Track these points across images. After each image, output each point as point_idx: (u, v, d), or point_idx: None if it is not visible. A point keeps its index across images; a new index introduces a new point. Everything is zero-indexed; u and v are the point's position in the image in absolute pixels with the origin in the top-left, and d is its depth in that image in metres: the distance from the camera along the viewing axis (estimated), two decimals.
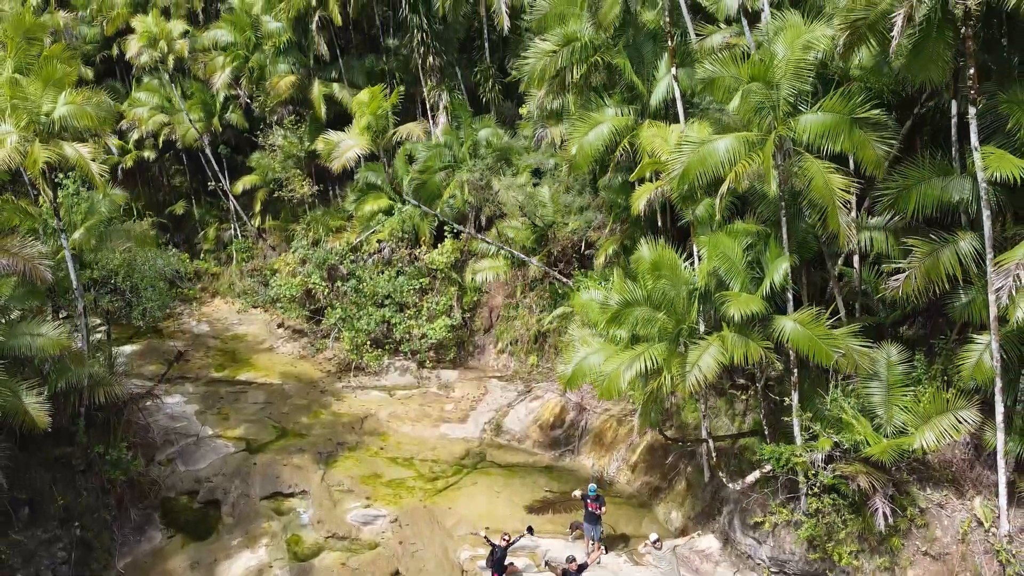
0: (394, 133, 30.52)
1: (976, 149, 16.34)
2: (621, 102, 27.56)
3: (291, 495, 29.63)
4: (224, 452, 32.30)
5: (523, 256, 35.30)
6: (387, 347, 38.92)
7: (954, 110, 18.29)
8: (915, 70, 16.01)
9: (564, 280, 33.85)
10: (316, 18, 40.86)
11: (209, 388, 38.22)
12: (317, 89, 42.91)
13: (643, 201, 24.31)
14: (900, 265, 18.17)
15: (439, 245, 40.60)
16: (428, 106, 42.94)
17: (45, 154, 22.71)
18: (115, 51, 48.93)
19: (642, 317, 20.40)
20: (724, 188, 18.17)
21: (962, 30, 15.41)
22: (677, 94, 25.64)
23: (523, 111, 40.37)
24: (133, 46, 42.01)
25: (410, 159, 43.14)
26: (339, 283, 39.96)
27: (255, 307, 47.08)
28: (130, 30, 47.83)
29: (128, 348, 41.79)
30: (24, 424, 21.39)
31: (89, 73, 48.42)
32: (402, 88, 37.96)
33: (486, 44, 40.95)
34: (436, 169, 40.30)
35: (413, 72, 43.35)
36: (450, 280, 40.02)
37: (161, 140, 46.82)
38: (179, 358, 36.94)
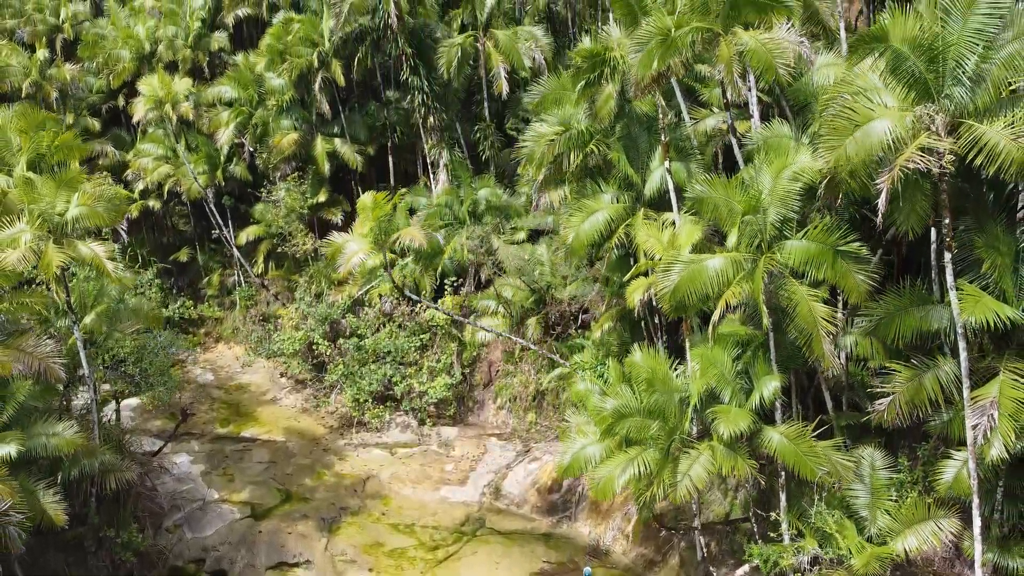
0: (397, 238, 31.43)
1: (952, 289, 17.13)
2: (617, 188, 28.37)
3: (296, 565, 30.45)
4: (230, 518, 33.09)
5: (519, 340, 36.28)
6: (388, 404, 39.70)
7: (933, 237, 19.11)
8: (896, 219, 16.80)
9: (558, 359, 34.74)
10: (319, 79, 41.63)
11: (214, 446, 39.00)
12: (320, 146, 43.73)
13: (638, 295, 25.10)
14: (885, 389, 18.96)
15: (439, 300, 41.40)
16: (429, 162, 43.76)
17: (60, 257, 23.48)
18: (121, 102, 49.72)
19: (636, 426, 21.21)
20: (716, 316, 18.96)
21: (940, 185, 16.21)
22: (671, 185, 26.45)
23: (522, 171, 41.21)
24: (140, 109, 42.85)
25: (411, 211, 44.10)
26: (341, 340, 40.72)
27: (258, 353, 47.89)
28: (136, 81, 48.82)
29: (134, 401, 42.50)
30: (43, 521, 22.21)
31: (95, 124, 49.36)
32: (404, 193, 38.77)
33: (486, 103, 41.74)
34: (437, 227, 41.09)
35: (414, 126, 44.13)
36: (450, 336, 40.78)
37: (166, 190, 47.55)
38: (185, 418, 37.71)
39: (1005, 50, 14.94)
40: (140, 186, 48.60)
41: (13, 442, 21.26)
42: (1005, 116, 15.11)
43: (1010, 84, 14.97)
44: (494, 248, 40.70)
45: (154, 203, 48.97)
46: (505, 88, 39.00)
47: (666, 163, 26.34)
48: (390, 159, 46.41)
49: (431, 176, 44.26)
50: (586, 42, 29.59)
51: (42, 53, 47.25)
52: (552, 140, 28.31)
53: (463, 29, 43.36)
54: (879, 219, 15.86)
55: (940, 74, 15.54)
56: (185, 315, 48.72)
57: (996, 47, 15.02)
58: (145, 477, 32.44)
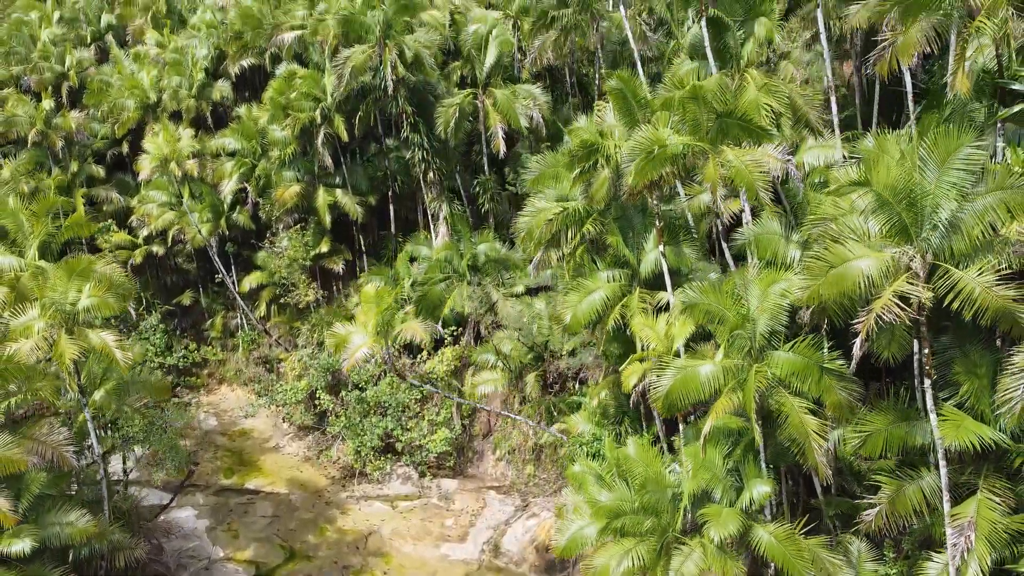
0: (399, 332, 32.22)
1: (932, 412, 17.87)
2: (613, 265, 29.08)
3: None
4: None
5: (514, 416, 37.11)
6: (389, 456, 40.42)
7: (915, 348, 19.84)
8: (879, 347, 17.52)
9: (554, 432, 35.48)
10: (321, 134, 42.36)
11: (219, 498, 39.71)
12: (321, 197, 44.43)
13: (633, 379, 25.81)
14: (872, 500, 19.70)
15: (439, 350, 42.11)
16: (429, 215, 44.48)
17: (72, 348, 24.18)
18: (125, 148, 50.43)
19: (631, 522, 21.94)
20: (707, 428, 19.68)
21: (919, 320, 16.96)
22: (665, 268, 27.19)
23: (520, 244, 41.97)
24: (145, 166, 43.48)
25: (412, 260, 44.89)
26: (343, 392, 41.45)
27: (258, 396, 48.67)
28: (141, 128, 49.61)
29: (139, 450, 43.20)
30: None
31: (100, 171, 50.04)
32: (406, 282, 40.11)
33: (485, 158, 42.46)
34: (437, 280, 41.79)
35: (414, 177, 44.84)
36: (450, 387, 41.50)
37: (171, 237, 48.24)
38: (190, 475, 38.41)
39: (979, 202, 15.68)
40: (144, 232, 49.29)
41: (28, 537, 22.01)
42: (981, 261, 15.83)
43: (983, 235, 15.68)
44: (493, 300, 41.51)
45: (158, 248, 49.59)
46: (502, 148, 39.76)
47: (660, 247, 27.07)
48: (391, 207, 47.09)
49: (431, 226, 45.01)
50: (582, 121, 30.28)
51: (48, 103, 47.85)
52: (550, 219, 28.95)
53: (462, 83, 44.18)
54: (858, 351, 16.57)
55: (918, 218, 16.27)
56: (189, 359, 49.40)
57: (971, 198, 15.75)
58: (151, 537, 33.20)
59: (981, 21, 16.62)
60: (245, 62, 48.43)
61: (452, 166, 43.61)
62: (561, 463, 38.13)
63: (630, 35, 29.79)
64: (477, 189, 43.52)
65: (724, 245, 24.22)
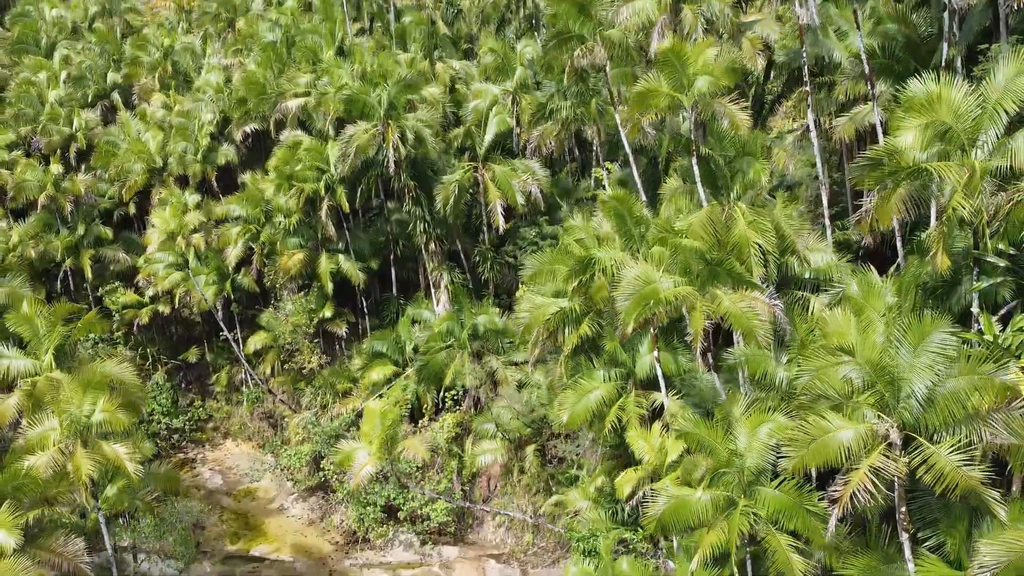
0: (402, 449, 33.24)
1: (909, 561, 18.81)
2: (609, 364, 30.04)
3: None
4: None
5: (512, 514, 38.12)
6: (391, 522, 41.35)
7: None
8: (859, 508, 18.45)
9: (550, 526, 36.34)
10: (325, 206, 43.30)
11: (224, 567, 40.61)
12: (324, 264, 45.35)
13: (628, 488, 26.76)
14: None
15: (440, 416, 43.10)
16: (431, 281, 45.45)
17: (88, 463, 25.09)
18: (132, 208, 51.40)
19: None
20: (697, 558, 20.60)
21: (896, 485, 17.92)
22: (659, 373, 28.16)
23: (518, 340, 42.97)
24: (153, 240, 44.44)
25: (413, 321, 45.91)
26: None
27: (262, 450, 49.67)
28: (148, 190, 50.64)
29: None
30: None
31: (108, 232, 50.98)
32: (408, 346, 41.12)
33: (485, 229, 43.41)
34: (438, 349, 42.77)
35: (415, 241, 45.77)
36: (450, 454, 42.44)
37: (177, 298, 49.17)
38: (198, 547, 39.31)
39: (951, 383, 16.64)
40: (151, 292, 50.23)
41: None
42: (954, 438, 16.78)
43: (956, 413, 16.61)
44: (493, 369, 42.51)
45: (164, 308, 50.53)
46: (502, 224, 40.78)
47: (655, 352, 28.02)
48: (392, 269, 48.05)
49: (432, 290, 45.97)
50: (577, 223, 31.21)
51: (57, 167, 48.83)
52: (547, 319, 29.89)
53: (462, 150, 45.13)
54: (834, 520, 17.51)
55: (896, 392, 17.23)
56: (194, 417, 50.38)
57: (943, 380, 16.72)
58: None
59: (958, 202, 17.57)
60: (249, 128, 49.38)
61: (452, 235, 44.55)
62: (559, 535, 39.26)
63: (624, 139, 30.66)
64: (477, 258, 44.48)
65: (713, 360, 25.11)
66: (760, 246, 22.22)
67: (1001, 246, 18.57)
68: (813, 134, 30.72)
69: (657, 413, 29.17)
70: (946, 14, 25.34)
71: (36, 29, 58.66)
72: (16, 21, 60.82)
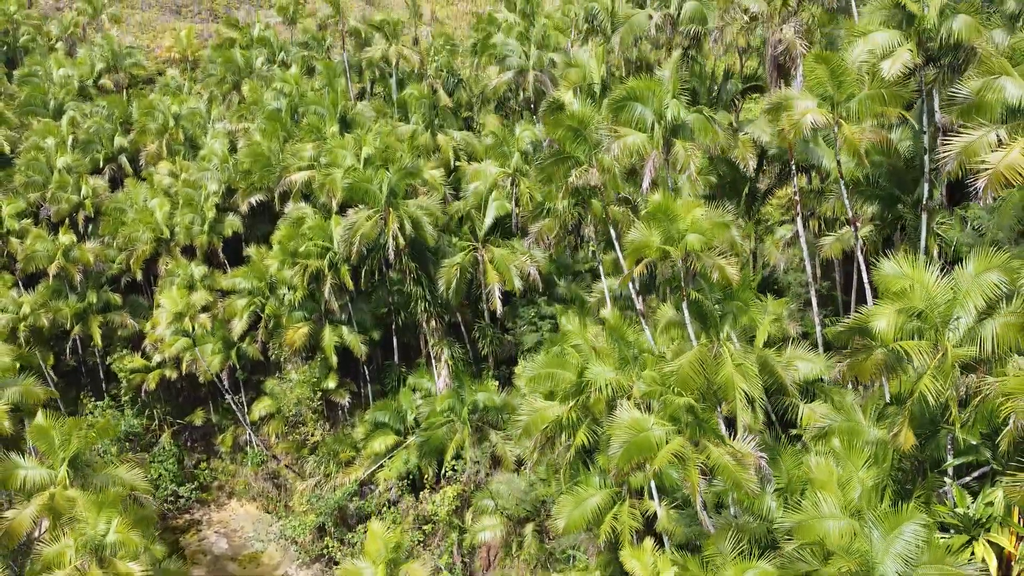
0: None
1: None
2: (605, 471, 31.09)
3: None
4: None
5: None
6: None
7: None
8: None
9: None
10: (328, 284, 44.39)
11: None
12: (328, 336, 46.48)
13: None
14: None
15: (441, 486, 44.20)
16: (432, 355, 46.54)
17: None
18: (139, 274, 52.47)
19: None
20: None
21: None
22: (653, 486, 29.25)
23: (518, 370, 44.12)
24: (162, 321, 45.55)
25: (413, 390, 47.06)
26: (350, 534, 43.49)
27: (269, 512, 50.77)
28: (155, 258, 51.76)
29: None
30: None
31: (117, 298, 52.05)
32: (410, 416, 42.66)
33: (486, 308, 44.49)
34: (439, 424, 43.88)
35: (416, 312, 46.83)
36: (451, 525, 43.53)
37: (184, 365, 50.22)
38: None
39: (920, 572, 17.71)
40: (158, 357, 51.29)
41: None
42: None
43: None
44: (493, 443, 43.66)
45: (170, 373, 51.59)
46: (499, 307, 41.88)
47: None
48: (394, 338, 49.16)
49: (433, 363, 47.05)
50: (574, 326, 32.31)
51: (66, 238, 49.87)
52: (545, 426, 30.96)
53: (461, 222, 46.23)
54: None
55: (870, 572, 18.35)
56: (200, 481, 51.46)
57: (914, 567, 17.79)
58: None
59: (926, 385, 18.66)
60: (255, 199, 50.48)
61: (452, 313, 45.63)
62: None
63: (622, 262, 31.74)
64: (477, 334, 45.58)
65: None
66: (746, 392, 23.28)
67: (972, 439, 19.69)
68: (803, 244, 31.81)
69: (651, 520, 30.29)
70: (927, 157, 26.42)
71: (44, 91, 59.80)
72: (25, 82, 61.90)
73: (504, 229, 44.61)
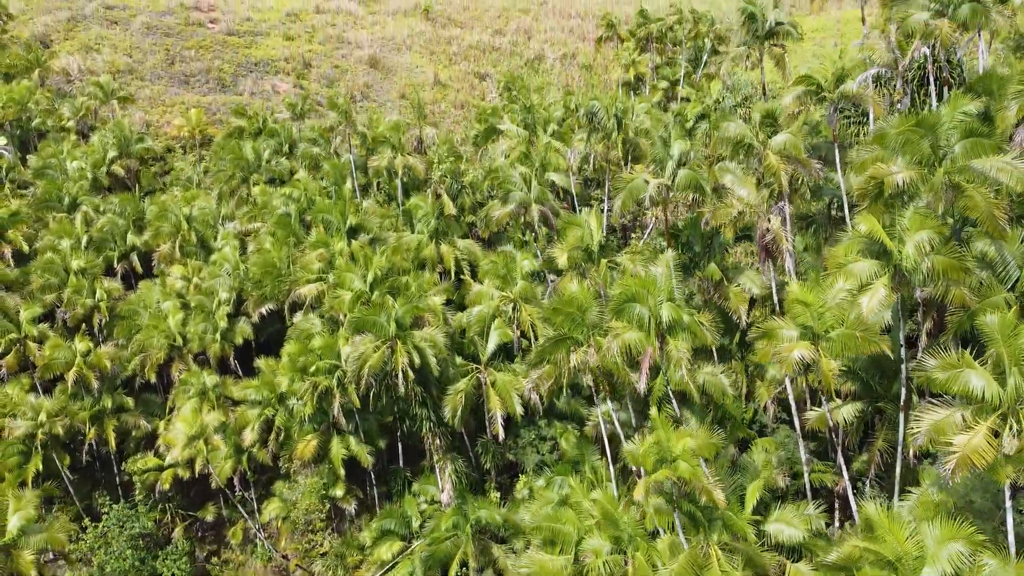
0: None
1: None
2: None
3: None
4: None
5: None
6: None
7: None
8: None
9: None
10: (337, 403, 46.15)
11: None
12: (335, 448, 48.25)
13: None
14: None
15: None
16: (436, 468, 48.29)
17: None
18: (152, 377, 54.22)
19: None
20: None
21: None
22: None
23: (518, 486, 46.08)
24: (177, 445, 47.28)
25: (417, 495, 48.87)
26: None
27: None
28: (169, 363, 53.50)
29: None
30: None
31: (130, 401, 53.79)
32: (414, 522, 43.76)
33: (487, 431, 46.24)
34: (443, 539, 45.61)
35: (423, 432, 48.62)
36: None
37: (196, 467, 51.93)
38: None
39: None
40: (170, 458, 53.01)
41: None
42: None
43: None
44: (495, 557, 45.43)
45: (183, 472, 53.29)
46: (501, 434, 43.63)
47: None
48: (399, 445, 50.92)
49: (437, 474, 48.80)
50: (576, 484, 34.11)
51: (82, 345, 51.63)
52: None
53: (463, 338, 47.97)
54: None
55: None
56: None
57: None
58: None
59: None
60: (265, 309, 52.26)
61: (456, 431, 47.37)
62: None
63: (615, 418, 33.52)
64: (479, 450, 47.36)
65: None
66: None
67: None
68: (795, 413, 33.59)
69: None
70: (903, 349, 28.17)
71: (59, 187, 61.50)
72: (40, 175, 63.64)
73: (506, 351, 46.35)
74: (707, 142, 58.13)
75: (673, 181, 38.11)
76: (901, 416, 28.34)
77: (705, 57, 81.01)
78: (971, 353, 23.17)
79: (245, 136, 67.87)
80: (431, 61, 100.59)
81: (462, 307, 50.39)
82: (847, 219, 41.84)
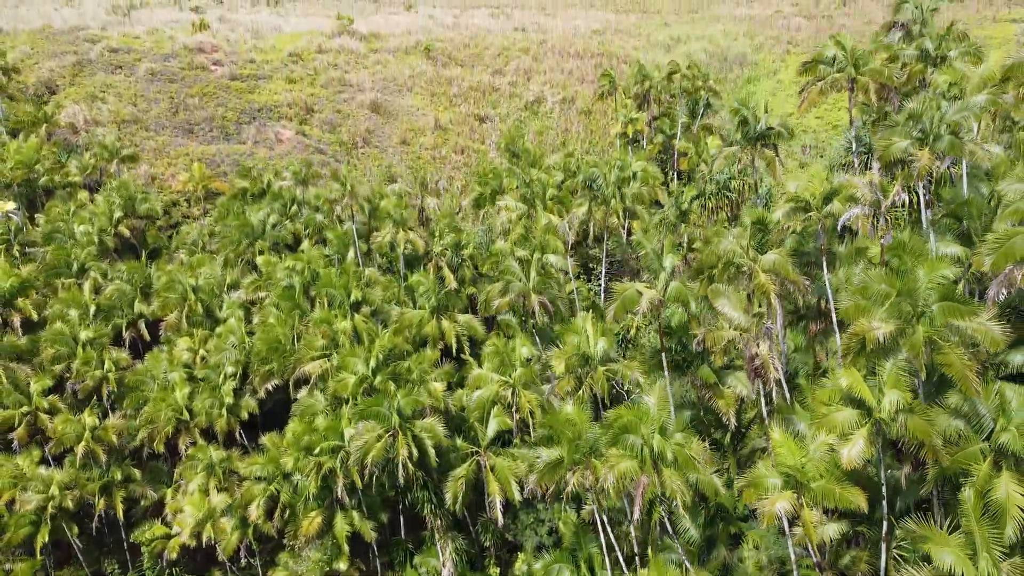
0: None
1: None
2: None
3: None
4: None
5: None
6: None
7: None
8: None
9: None
10: (341, 483, 47.40)
11: None
12: (340, 524, 49.40)
13: None
14: None
15: None
16: (438, 544, 49.57)
17: None
18: (161, 448, 55.51)
19: None
20: None
21: None
22: None
23: (517, 563, 47.34)
24: (186, 528, 48.55)
25: (417, 567, 50.17)
26: None
27: None
28: (177, 434, 54.82)
29: None
30: None
31: (137, 473, 55.06)
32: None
33: (487, 511, 47.48)
34: None
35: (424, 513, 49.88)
36: None
37: (204, 540, 53.18)
38: None
39: None
40: (177, 528, 54.27)
41: None
42: None
43: None
44: None
45: (191, 541, 54.56)
46: (500, 518, 44.86)
47: None
48: (401, 518, 52.19)
49: (439, 549, 50.08)
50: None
51: (91, 419, 52.93)
52: None
53: (463, 424, 49.30)
54: None
55: None
56: None
57: None
58: None
59: None
60: (270, 385, 53.58)
61: (457, 514, 48.66)
62: None
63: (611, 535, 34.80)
64: (479, 528, 48.63)
65: None
66: None
67: None
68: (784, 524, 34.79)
69: None
70: (883, 487, 29.44)
71: (68, 253, 62.74)
72: (48, 240, 64.88)
73: (505, 437, 47.61)
74: (701, 221, 59.64)
75: (665, 293, 39.39)
76: (882, 548, 29.59)
77: (702, 110, 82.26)
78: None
79: (248, 198, 69.21)
80: (432, 103, 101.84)
81: (463, 382, 51.66)
82: (833, 315, 43.25)
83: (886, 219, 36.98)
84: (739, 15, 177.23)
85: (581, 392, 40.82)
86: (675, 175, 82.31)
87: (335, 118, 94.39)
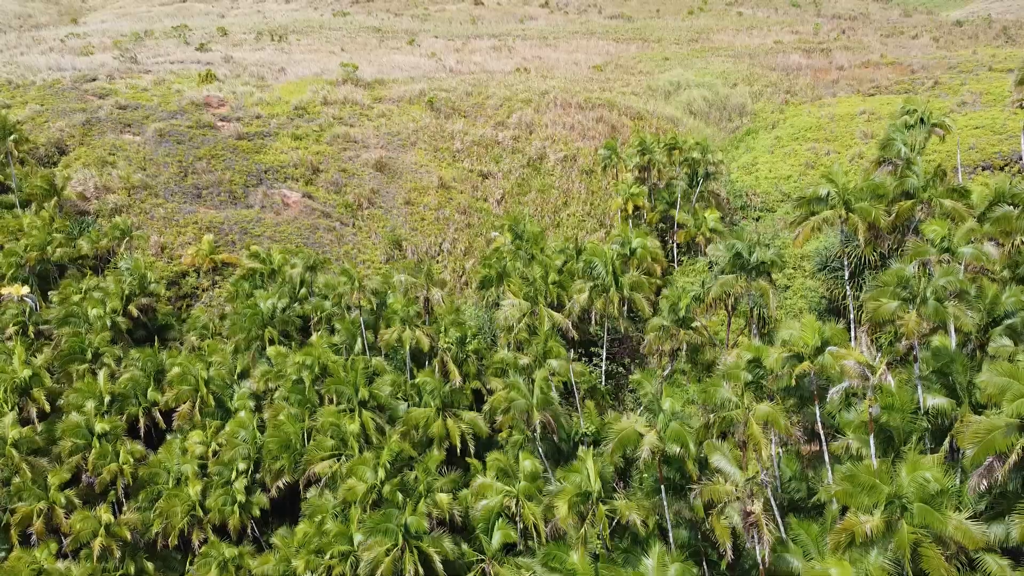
0: None
1: None
2: None
3: None
4: None
5: None
6: None
7: None
8: None
9: None
10: None
11: None
12: None
13: None
14: None
15: None
16: None
17: None
18: (175, 541, 57.15)
19: None
20: None
21: None
22: None
23: None
24: None
25: None
26: None
27: None
28: (191, 529, 56.46)
29: None
30: None
31: (151, 566, 56.70)
32: None
33: None
34: None
35: None
36: None
37: None
38: None
39: None
40: None
41: None
42: None
43: None
44: None
45: None
46: None
47: None
48: None
49: None
50: None
51: (107, 516, 54.57)
52: None
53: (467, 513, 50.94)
54: None
55: None
56: None
57: None
58: None
59: None
60: (281, 482, 55.29)
61: None
62: None
63: None
64: None
65: None
66: None
67: None
68: None
69: None
70: None
71: (82, 340, 64.32)
72: (62, 324, 66.45)
73: (510, 545, 49.23)
74: (700, 308, 61.24)
75: (664, 433, 41.04)
76: None
77: (701, 182, 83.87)
78: None
79: (258, 278, 70.86)
80: (435, 159, 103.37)
81: (468, 483, 53.27)
82: (823, 445, 45.00)
83: (874, 394, 38.67)
84: (738, 45, 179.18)
85: (583, 531, 42.49)
86: (675, 248, 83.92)
87: (340, 178, 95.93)
